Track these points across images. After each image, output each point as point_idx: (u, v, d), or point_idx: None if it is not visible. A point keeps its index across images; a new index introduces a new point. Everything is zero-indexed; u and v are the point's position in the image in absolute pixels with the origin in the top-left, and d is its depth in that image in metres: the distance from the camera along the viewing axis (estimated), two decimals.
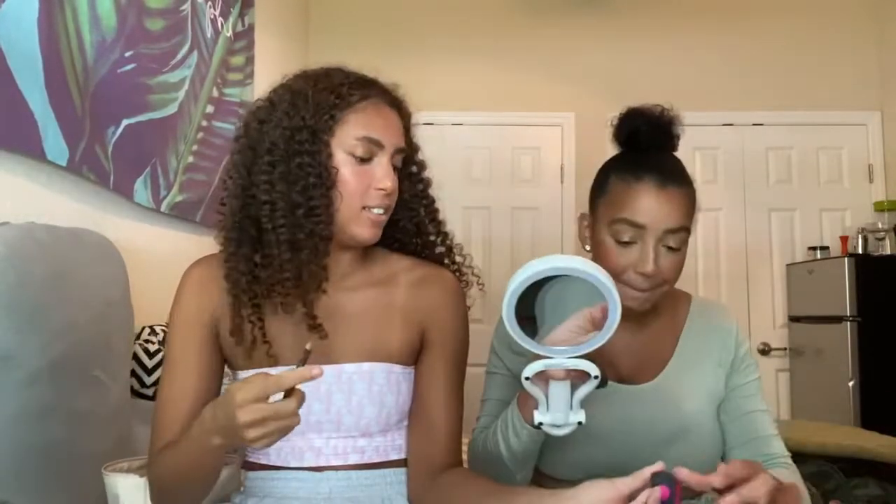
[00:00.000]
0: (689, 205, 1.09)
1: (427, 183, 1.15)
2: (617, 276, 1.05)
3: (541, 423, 0.94)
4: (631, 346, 1.16)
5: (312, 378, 0.81)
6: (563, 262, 0.86)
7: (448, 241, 1.16)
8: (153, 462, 1.03)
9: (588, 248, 1.16)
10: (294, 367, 0.85)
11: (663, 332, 1.19)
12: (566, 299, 0.90)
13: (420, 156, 1.15)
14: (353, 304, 1.07)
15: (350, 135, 1.01)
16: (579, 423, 0.94)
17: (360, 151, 1.01)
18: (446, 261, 1.15)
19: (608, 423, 1.11)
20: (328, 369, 1.02)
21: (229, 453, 1.11)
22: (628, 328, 1.13)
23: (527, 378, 0.92)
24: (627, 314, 1.12)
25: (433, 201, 1.15)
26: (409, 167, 1.12)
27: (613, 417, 1.11)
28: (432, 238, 1.15)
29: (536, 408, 0.95)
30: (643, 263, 1.05)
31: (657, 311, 1.17)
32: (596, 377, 0.92)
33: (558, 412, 0.94)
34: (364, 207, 1.01)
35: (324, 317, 1.05)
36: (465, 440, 1.18)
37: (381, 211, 1.03)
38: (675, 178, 1.08)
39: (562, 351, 0.90)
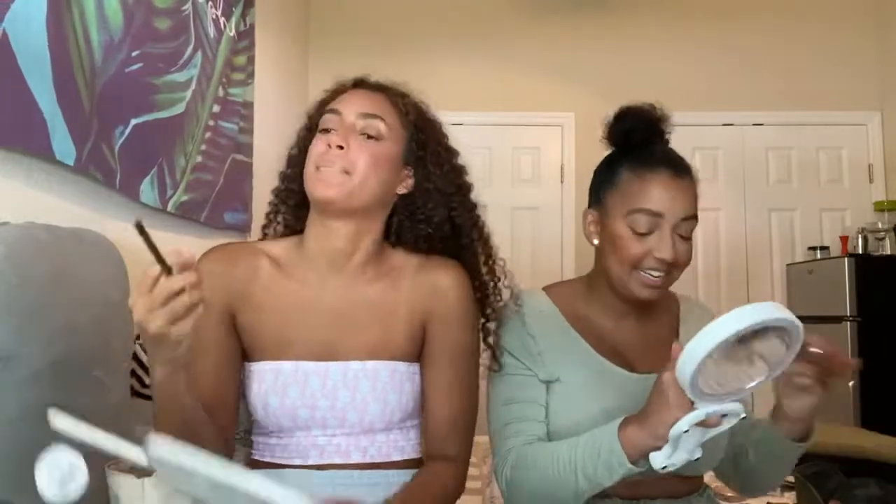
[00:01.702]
0: (696, 195, 1.14)
1: (443, 168, 1.16)
2: (634, 265, 1.08)
3: (665, 467, 0.90)
4: (636, 336, 1.17)
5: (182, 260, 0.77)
6: (760, 315, 0.79)
7: (468, 235, 1.16)
8: None
9: (596, 242, 1.17)
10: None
11: (663, 325, 1.20)
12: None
13: (438, 145, 1.16)
14: (361, 301, 1.09)
15: None
16: (697, 459, 0.90)
17: (323, 123, 1.10)
18: (475, 253, 1.16)
19: (621, 411, 1.10)
20: (334, 366, 1.05)
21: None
22: (632, 319, 1.16)
23: (685, 431, 0.87)
24: (635, 305, 1.14)
25: (474, 206, 1.18)
26: (423, 153, 1.13)
27: (627, 407, 1.10)
28: (437, 221, 1.15)
29: (657, 448, 0.91)
30: (663, 250, 1.07)
31: (657, 305, 1.19)
32: (745, 417, 0.88)
33: (685, 453, 0.89)
34: (317, 166, 1.06)
35: (332, 313, 1.08)
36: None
37: (328, 169, 1.05)
38: (686, 168, 1.13)
39: (719, 397, 0.85)
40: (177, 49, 2.21)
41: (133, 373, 1.76)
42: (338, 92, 1.14)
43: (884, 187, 3.82)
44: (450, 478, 1.09)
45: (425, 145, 1.13)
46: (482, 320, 1.16)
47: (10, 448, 1.18)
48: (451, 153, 1.19)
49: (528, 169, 3.96)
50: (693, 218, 1.11)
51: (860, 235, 3.57)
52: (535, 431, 1.12)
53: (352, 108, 1.08)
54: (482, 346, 1.15)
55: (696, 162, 3.79)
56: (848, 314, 3.28)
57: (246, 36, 2.89)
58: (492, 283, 1.16)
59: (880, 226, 3.56)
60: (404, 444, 1.09)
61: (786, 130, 3.89)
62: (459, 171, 1.19)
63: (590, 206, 1.18)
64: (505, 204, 3.92)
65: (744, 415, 0.88)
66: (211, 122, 2.52)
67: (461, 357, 1.11)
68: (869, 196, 3.83)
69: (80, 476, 0.72)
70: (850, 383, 3.23)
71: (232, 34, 2.73)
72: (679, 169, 1.11)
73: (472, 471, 2.11)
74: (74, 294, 1.37)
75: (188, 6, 2.31)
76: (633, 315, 1.16)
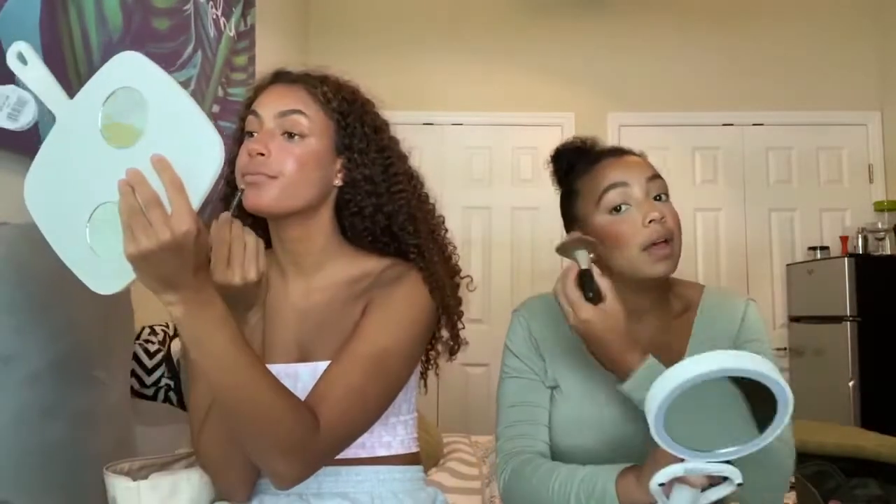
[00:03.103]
0: (650, 164, 1.18)
1: (394, 168, 1.10)
2: (640, 245, 1.08)
3: None
4: (646, 338, 1.16)
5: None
6: (724, 362, 0.72)
7: (420, 238, 1.10)
8: (197, 450, 1.04)
9: (591, 256, 1.15)
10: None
11: (678, 324, 1.19)
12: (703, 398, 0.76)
13: (364, 128, 1.09)
14: (327, 302, 1.08)
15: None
16: None
17: (247, 126, 1.07)
18: (415, 255, 1.09)
19: (621, 420, 1.10)
20: (303, 367, 1.05)
21: None
22: (643, 320, 1.15)
23: (661, 484, 0.83)
24: (649, 294, 1.13)
25: (399, 190, 1.10)
26: (350, 141, 1.07)
27: (627, 418, 1.10)
28: (405, 228, 1.10)
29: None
30: (648, 210, 1.09)
31: (669, 304, 1.18)
32: (739, 485, 0.81)
33: None
34: (243, 175, 1.03)
35: (299, 315, 1.09)
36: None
37: (254, 177, 1.02)
38: (626, 150, 1.19)
39: (702, 455, 0.79)
40: (176, 49, 2.22)
41: (133, 373, 1.76)
42: (259, 89, 1.10)
43: (884, 187, 3.82)
44: (310, 426, 0.91)
45: (353, 132, 1.08)
46: (444, 321, 1.11)
47: (10, 448, 1.18)
48: (380, 133, 1.11)
49: (528, 169, 3.96)
50: (658, 177, 1.13)
51: (860, 235, 3.57)
52: (537, 436, 1.13)
53: (270, 109, 1.04)
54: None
55: (696, 162, 3.83)
56: (848, 314, 3.28)
57: (246, 36, 2.89)
58: (450, 280, 1.11)
59: (880, 226, 3.56)
60: (390, 440, 1.09)
61: (786, 130, 3.89)
62: (388, 152, 1.11)
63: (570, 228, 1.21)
64: (505, 204, 3.92)
65: (739, 481, 0.81)
66: None
67: (374, 357, 0.98)
68: (869, 196, 3.83)
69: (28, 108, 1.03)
70: (850, 383, 3.23)
71: (232, 34, 2.73)
72: (620, 150, 1.17)
73: (471, 471, 2.12)
74: (74, 294, 1.37)
75: (189, 6, 2.31)
76: (640, 322, 1.13)
